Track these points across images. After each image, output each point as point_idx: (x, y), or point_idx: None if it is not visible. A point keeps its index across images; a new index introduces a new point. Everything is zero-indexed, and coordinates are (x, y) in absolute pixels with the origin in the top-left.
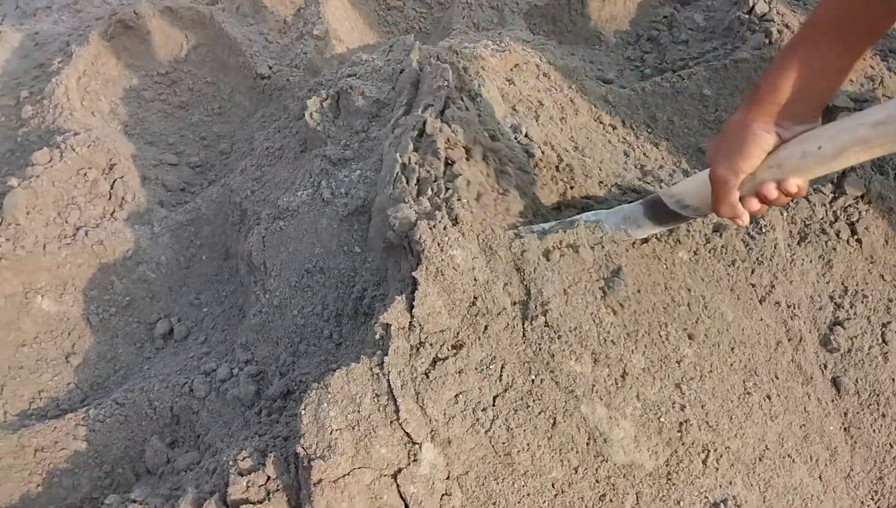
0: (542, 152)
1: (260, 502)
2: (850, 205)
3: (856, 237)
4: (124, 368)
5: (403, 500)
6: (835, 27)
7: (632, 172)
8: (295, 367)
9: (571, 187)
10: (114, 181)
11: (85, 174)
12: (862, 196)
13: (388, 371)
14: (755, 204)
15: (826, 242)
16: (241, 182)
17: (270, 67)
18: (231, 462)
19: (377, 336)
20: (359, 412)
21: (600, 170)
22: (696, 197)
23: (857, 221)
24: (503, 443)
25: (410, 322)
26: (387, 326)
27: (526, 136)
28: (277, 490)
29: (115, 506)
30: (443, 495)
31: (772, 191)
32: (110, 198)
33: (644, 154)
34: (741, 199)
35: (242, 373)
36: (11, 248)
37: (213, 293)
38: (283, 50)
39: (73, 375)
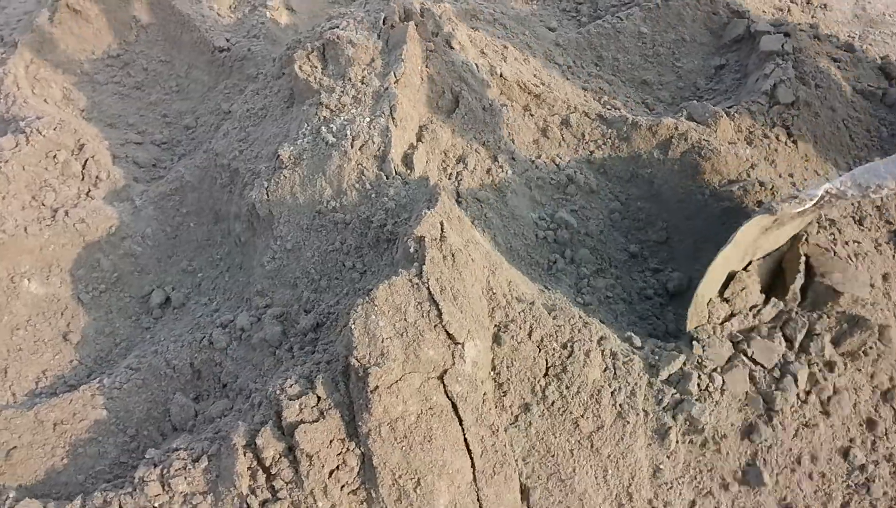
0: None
1: (315, 421)
2: (783, 112)
3: (792, 139)
4: (125, 340)
5: (451, 400)
6: None
7: (593, 102)
8: (320, 302)
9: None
10: (85, 161)
11: (55, 156)
12: (792, 103)
13: (427, 280)
14: None
15: (769, 144)
16: (225, 145)
17: (228, 40)
18: (279, 391)
19: (411, 250)
20: (405, 320)
21: (568, 100)
22: None
23: (791, 125)
24: None
25: (441, 233)
26: (420, 239)
27: (501, 75)
28: (330, 408)
29: (158, 458)
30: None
31: None
32: (83, 178)
33: (599, 87)
34: None
35: (266, 316)
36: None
37: (205, 258)
38: (238, 23)
39: (73, 352)
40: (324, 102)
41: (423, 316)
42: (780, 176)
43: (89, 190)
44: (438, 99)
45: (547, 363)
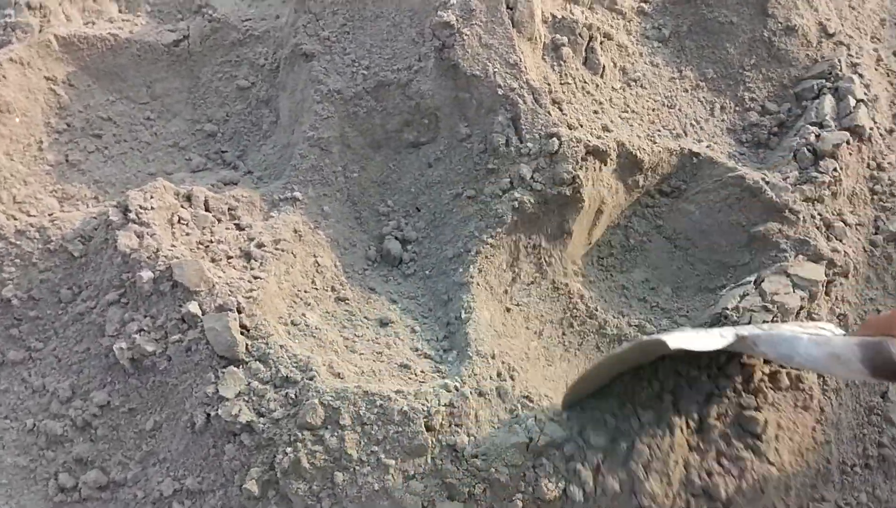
0: None
1: None
2: None
3: None
4: (425, 294)
5: None
6: None
7: None
8: None
9: None
10: (205, 201)
11: (178, 219)
12: None
13: None
14: None
15: None
16: (342, 82)
17: (172, 31)
18: None
19: None
20: None
21: None
22: None
23: None
24: None
25: None
26: None
27: None
28: None
29: None
30: None
31: None
32: (220, 220)
33: None
34: None
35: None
36: (248, 288)
37: (394, 185)
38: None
39: (392, 333)
40: None
41: None
42: None
43: (240, 227)
44: None
45: None
